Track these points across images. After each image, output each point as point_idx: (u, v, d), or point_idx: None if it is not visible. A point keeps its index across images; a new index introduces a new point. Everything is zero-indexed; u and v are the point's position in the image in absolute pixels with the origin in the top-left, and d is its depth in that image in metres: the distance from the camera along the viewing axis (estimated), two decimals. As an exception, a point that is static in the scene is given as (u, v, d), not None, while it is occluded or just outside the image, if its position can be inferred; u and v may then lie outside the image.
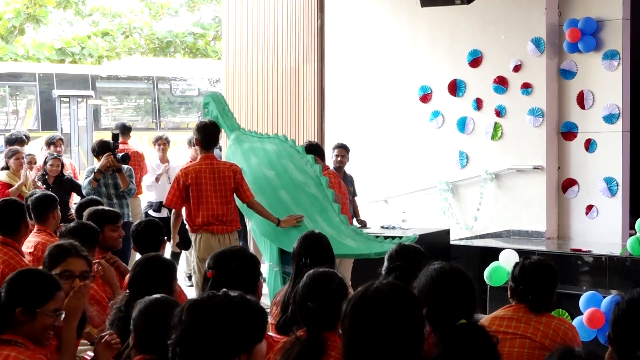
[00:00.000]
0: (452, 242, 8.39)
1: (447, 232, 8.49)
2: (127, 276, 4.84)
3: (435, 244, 7.87)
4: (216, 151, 7.57)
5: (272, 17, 11.15)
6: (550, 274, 3.91)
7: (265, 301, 5.37)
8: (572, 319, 6.32)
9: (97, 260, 4.79)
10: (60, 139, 10.40)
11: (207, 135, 6.71)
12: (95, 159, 8.42)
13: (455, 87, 9.40)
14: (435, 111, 9.58)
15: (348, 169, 8.94)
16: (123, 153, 8.27)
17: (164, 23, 28.23)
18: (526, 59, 8.87)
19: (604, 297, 6.34)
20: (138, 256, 4.88)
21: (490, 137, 9.14)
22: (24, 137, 10.46)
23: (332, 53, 10.65)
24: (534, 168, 8.84)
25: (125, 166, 8.15)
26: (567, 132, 8.82)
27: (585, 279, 7.52)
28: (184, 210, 6.84)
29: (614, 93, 8.48)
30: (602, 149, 8.56)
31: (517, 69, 8.92)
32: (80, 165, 17.02)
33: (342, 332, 2.39)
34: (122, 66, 23.71)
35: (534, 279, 3.83)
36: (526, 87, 8.86)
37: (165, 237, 5.27)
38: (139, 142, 17.04)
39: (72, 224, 4.86)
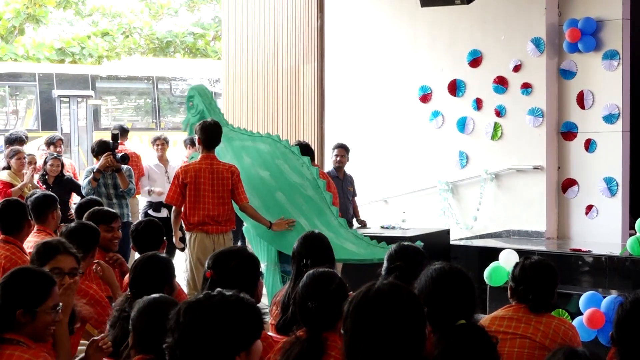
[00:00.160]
0: (452, 242, 8.40)
1: (447, 232, 8.50)
2: (127, 276, 4.85)
3: (435, 244, 7.87)
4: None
5: (272, 17, 11.16)
6: (551, 274, 3.90)
7: (265, 301, 5.38)
8: (572, 319, 6.31)
9: (97, 261, 4.79)
10: (60, 139, 10.39)
11: (210, 135, 6.69)
12: (94, 159, 8.42)
13: (455, 87, 9.40)
14: (435, 111, 9.59)
15: (348, 169, 8.94)
16: (122, 153, 8.26)
17: (163, 23, 28.24)
18: (526, 59, 8.88)
19: (604, 297, 6.33)
20: (137, 256, 4.87)
21: (490, 137, 9.14)
22: (23, 136, 10.46)
23: (332, 53, 10.65)
24: (534, 168, 8.84)
25: (124, 166, 8.14)
26: (567, 132, 8.82)
27: (585, 279, 7.52)
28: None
29: (613, 93, 8.48)
30: (602, 149, 8.57)
31: (517, 69, 8.92)
32: (80, 166, 17.02)
33: (344, 333, 2.39)
34: (122, 66, 23.71)
35: (534, 279, 3.83)
36: (526, 87, 8.87)
37: (165, 237, 5.25)
38: (139, 142, 17.06)
39: (72, 224, 4.86)
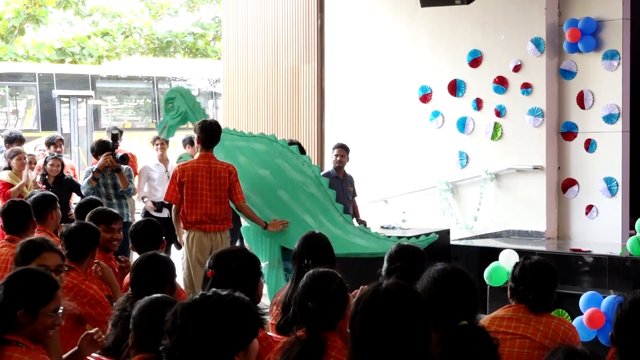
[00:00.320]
0: (452, 242, 8.39)
1: (447, 232, 8.49)
2: (128, 277, 4.84)
3: (435, 244, 7.84)
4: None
5: (272, 17, 11.16)
6: (551, 274, 3.90)
7: (265, 301, 5.38)
8: (572, 319, 6.32)
9: (96, 261, 4.79)
10: (61, 139, 10.39)
11: (211, 134, 6.70)
12: (94, 159, 8.42)
13: (455, 87, 9.40)
14: (435, 111, 9.59)
15: (348, 169, 8.94)
16: (122, 153, 8.27)
17: (163, 23, 28.24)
18: (526, 59, 8.87)
19: (604, 297, 6.33)
20: (136, 256, 4.87)
21: (490, 137, 9.14)
22: (22, 136, 10.47)
23: (332, 53, 10.65)
24: (534, 168, 8.84)
25: (124, 166, 8.15)
26: (567, 132, 8.82)
27: (585, 279, 7.52)
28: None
29: (613, 93, 8.48)
30: (602, 149, 8.57)
31: (517, 69, 8.92)
32: (80, 165, 17.01)
33: (351, 332, 2.40)
34: (122, 66, 23.71)
35: (534, 279, 3.83)
36: (526, 87, 8.87)
37: (164, 237, 5.25)
38: (139, 143, 17.06)
39: (72, 224, 4.86)
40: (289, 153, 7.20)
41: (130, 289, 3.90)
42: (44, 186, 8.55)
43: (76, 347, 3.64)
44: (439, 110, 9.57)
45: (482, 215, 9.16)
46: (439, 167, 9.52)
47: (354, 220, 8.74)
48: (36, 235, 5.70)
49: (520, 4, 8.93)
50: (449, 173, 9.45)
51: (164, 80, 21.21)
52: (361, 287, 3.83)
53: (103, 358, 3.53)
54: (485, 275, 6.82)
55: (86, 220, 5.17)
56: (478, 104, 9.23)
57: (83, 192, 8.06)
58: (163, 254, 4.24)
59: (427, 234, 7.50)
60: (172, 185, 6.75)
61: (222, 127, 7.19)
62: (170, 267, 4.02)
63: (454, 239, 8.58)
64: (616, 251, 7.58)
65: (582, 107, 8.70)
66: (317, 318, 3.28)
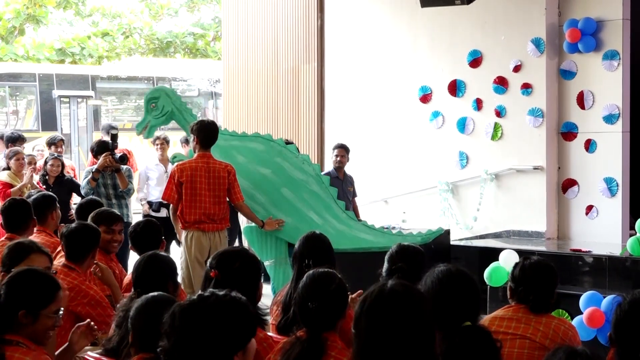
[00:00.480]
0: (452, 243, 8.39)
1: (447, 232, 8.48)
2: (129, 277, 4.85)
3: (435, 245, 7.86)
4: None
5: (272, 17, 11.16)
6: (550, 275, 3.90)
7: (266, 301, 5.37)
8: (572, 319, 6.32)
9: (95, 262, 4.79)
10: (62, 140, 10.40)
11: (209, 134, 6.71)
12: (93, 159, 8.42)
13: (455, 88, 9.40)
14: (435, 111, 9.59)
15: (348, 169, 8.94)
16: (121, 153, 8.27)
17: (163, 23, 28.22)
18: (526, 59, 8.87)
19: (604, 297, 6.33)
20: (136, 256, 4.87)
21: (490, 138, 9.14)
22: (22, 135, 10.49)
23: (332, 53, 10.65)
24: (534, 168, 8.84)
25: (124, 166, 8.15)
26: (567, 133, 8.82)
27: (586, 280, 7.52)
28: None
29: (613, 93, 8.48)
30: (602, 149, 8.56)
31: (517, 69, 8.92)
32: (81, 166, 17.00)
33: (357, 333, 2.40)
34: (122, 66, 23.70)
35: (534, 279, 3.82)
36: (526, 87, 8.87)
37: (164, 238, 5.25)
38: (139, 143, 17.05)
39: (72, 225, 4.85)
40: (288, 152, 7.26)
41: (133, 289, 3.90)
42: (44, 186, 8.55)
43: (67, 343, 3.63)
44: (439, 110, 9.57)
45: (482, 215, 9.16)
46: (439, 168, 9.52)
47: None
48: (53, 237, 5.73)
49: (521, 4, 8.93)
50: (449, 173, 9.45)
51: (164, 80, 21.18)
52: (359, 291, 3.84)
53: (103, 358, 3.53)
54: (485, 276, 6.81)
55: (88, 221, 5.17)
56: (478, 104, 9.23)
57: (83, 192, 8.06)
58: (164, 253, 4.25)
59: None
60: (170, 185, 6.75)
61: (222, 129, 7.23)
62: (171, 266, 4.04)
63: (454, 239, 8.58)
64: (616, 251, 7.58)
65: (582, 107, 8.70)
66: (317, 318, 3.29)
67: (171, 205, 6.88)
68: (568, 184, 8.82)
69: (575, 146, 8.78)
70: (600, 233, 8.49)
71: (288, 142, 7.66)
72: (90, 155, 9.65)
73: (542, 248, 8.28)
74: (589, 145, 8.65)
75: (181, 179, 6.63)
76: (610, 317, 5.56)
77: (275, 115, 11.14)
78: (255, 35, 11.37)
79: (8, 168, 8.79)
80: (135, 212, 9.55)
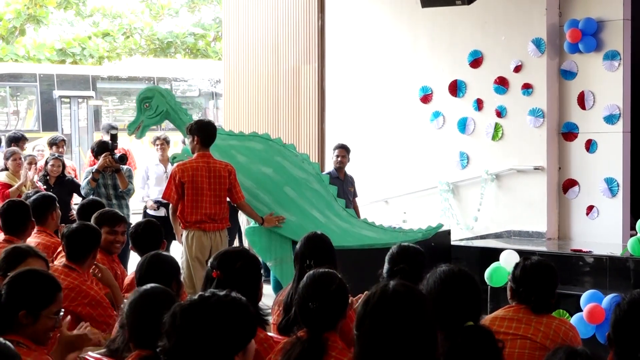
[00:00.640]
0: (452, 243, 8.39)
1: (448, 232, 8.49)
2: (130, 277, 4.85)
3: (435, 245, 7.87)
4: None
5: (273, 17, 11.15)
6: (551, 275, 3.90)
7: (266, 301, 5.38)
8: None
9: (95, 263, 4.78)
10: (63, 140, 10.41)
11: (209, 133, 6.70)
12: (94, 159, 8.43)
13: (455, 88, 9.40)
14: (436, 112, 9.58)
15: (349, 169, 8.94)
16: (121, 153, 8.26)
17: (164, 24, 28.22)
18: (527, 59, 8.87)
19: (605, 296, 6.33)
20: (135, 256, 4.88)
21: (491, 138, 9.14)
22: (24, 135, 10.51)
23: (332, 54, 10.65)
24: (535, 168, 8.84)
25: (124, 166, 8.15)
26: (568, 133, 8.82)
27: (586, 280, 7.52)
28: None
29: (614, 93, 8.48)
30: (603, 150, 8.56)
31: (517, 69, 8.92)
32: (81, 166, 17.01)
33: (359, 334, 2.40)
34: (123, 67, 23.71)
35: (535, 279, 3.82)
36: (527, 87, 8.87)
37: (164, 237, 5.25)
38: (140, 143, 17.05)
39: (73, 225, 4.85)
40: (287, 151, 7.29)
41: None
42: (44, 187, 8.55)
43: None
44: (439, 110, 9.56)
45: (483, 215, 9.16)
46: (440, 168, 9.52)
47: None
48: (54, 237, 5.73)
49: (521, 5, 8.93)
50: (450, 173, 9.44)
51: (164, 80, 21.19)
52: (360, 295, 3.84)
53: (104, 358, 3.53)
54: (486, 276, 6.81)
55: (92, 221, 5.17)
56: (479, 104, 9.23)
57: (83, 192, 8.07)
58: (166, 253, 4.26)
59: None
60: (170, 185, 6.73)
61: (218, 129, 7.24)
62: (175, 266, 4.05)
63: (455, 239, 8.58)
64: (617, 252, 7.59)
65: (583, 107, 8.69)
66: (318, 318, 3.29)
67: (170, 204, 6.87)
68: (569, 184, 8.82)
69: (576, 146, 8.78)
70: (600, 233, 8.49)
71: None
72: (90, 155, 9.66)
73: (543, 248, 8.28)
74: (590, 146, 8.65)
75: (183, 179, 6.61)
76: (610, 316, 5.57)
77: (275, 115, 11.14)
78: (255, 35, 11.36)
79: (6, 168, 8.79)
80: (135, 212, 9.56)
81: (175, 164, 6.88)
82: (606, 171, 8.55)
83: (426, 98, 9.67)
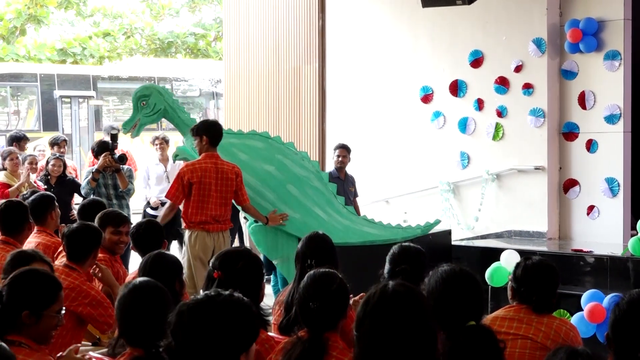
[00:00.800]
0: (453, 243, 8.39)
1: (449, 232, 8.49)
2: (130, 277, 4.85)
3: (436, 245, 7.87)
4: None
5: (274, 17, 11.15)
6: (552, 275, 3.90)
7: (267, 301, 5.39)
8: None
9: (96, 263, 4.78)
10: (65, 140, 10.43)
11: (217, 133, 6.66)
12: (94, 159, 8.43)
13: (456, 88, 9.40)
14: (437, 111, 9.58)
15: (349, 169, 8.94)
16: (120, 153, 8.26)
17: (165, 23, 28.22)
18: (527, 59, 8.87)
19: (605, 296, 6.33)
20: (136, 256, 4.88)
21: (492, 138, 9.14)
22: (25, 135, 10.53)
23: (333, 54, 10.65)
24: (535, 168, 8.84)
25: (125, 166, 8.15)
26: (569, 133, 8.82)
27: (587, 280, 7.52)
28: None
29: (615, 93, 8.48)
30: (604, 150, 8.56)
31: (518, 69, 8.92)
32: (82, 166, 17.01)
33: (358, 334, 2.40)
34: (124, 67, 23.70)
35: (537, 279, 3.82)
36: (527, 87, 8.86)
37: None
38: (141, 143, 17.06)
39: (74, 225, 4.85)
40: (287, 149, 7.30)
41: None
42: (45, 186, 8.55)
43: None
44: (440, 110, 9.56)
45: (484, 215, 9.16)
46: (440, 168, 9.51)
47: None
48: (54, 237, 5.73)
49: (522, 4, 8.93)
50: (450, 173, 9.44)
51: (165, 80, 21.19)
52: (361, 294, 3.84)
53: (105, 358, 3.53)
54: (487, 276, 6.81)
55: (96, 221, 5.18)
56: (479, 104, 9.22)
57: (83, 192, 8.07)
58: (169, 252, 4.27)
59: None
60: (176, 185, 6.65)
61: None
62: (177, 265, 4.06)
63: (455, 239, 8.58)
64: (617, 252, 7.58)
65: (584, 107, 8.69)
66: (319, 318, 3.29)
67: (169, 202, 6.83)
68: (569, 184, 8.82)
69: (577, 146, 8.78)
70: (601, 233, 8.49)
71: None
72: (91, 155, 9.67)
73: (544, 248, 8.28)
74: (590, 146, 8.65)
75: (192, 180, 6.55)
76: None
77: (276, 115, 11.14)
78: (256, 35, 11.37)
79: (4, 168, 8.79)
80: (135, 212, 9.57)
81: (183, 164, 6.81)
82: (607, 171, 8.55)
83: (427, 98, 9.67)
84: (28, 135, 10.79)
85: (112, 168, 7.95)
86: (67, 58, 24.37)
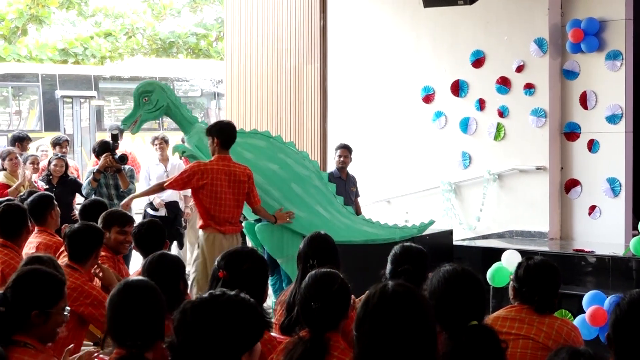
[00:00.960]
0: (454, 243, 8.39)
1: (450, 232, 8.49)
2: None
3: (438, 245, 7.87)
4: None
5: (275, 17, 11.16)
6: (554, 275, 3.90)
7: (268, 302, 5.39)
8: (575, 319, 6.31)
9: (98, 263, 4.79)
10: (67, 140, 10.43)
11: (230, 135, 6.61)
12: (96, 159, 8.44)
13: (458, 88, 9.40)
14: (438, 112, 9.58)
15: (351, 169, 8.94)
16: (121, 154, 8.26)
17: (166, 24, 28.24)
18: (529, 59, 8.87)
19: (607, 297, 6.33)
20: (137, 256, 4.88)
21: (493, 138, 9.14)
22: (28, 135, 10.53)
23: (334, 53, 10.65)
24: (537, 168, 8.84)
25: (127, 166, 8.16)
26: (570, 133, 8.82)
27: (588, 280, 7.52)
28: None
29: (616, 93, 8.48)
30: (605, 150, 8.56)
31: (519, 69, 8.92)
32: (83, 166, 17.03)
33: (358, 334, 2.40)
34: (125, 67, 23.72)
35: (539, 279, 3.82)
36: (529, 87, 8.86)
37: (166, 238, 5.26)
38: (142, 143, 17.07)
39: (75, 225, 4.85)
40: (288, 148, 7.30)
41: None
42: (47, 186, 8.55)
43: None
44: (441, 110, 9.56)
45: (485, 215, 9.16)
46: (442, 168, 9.51)
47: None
48: (55, 237, 5.72)
49: (523, 4, 8.93)
50: (452, 173, 9.44)
51: (166, 80, 21.21)
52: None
53: (106, 358, 3.53)
54: (488, 276, 6.80)
55: (100, 220, 5.18)
56: (481, 104, 9.22)
57: (84, 192, 8.07)
58: (171, 253, 4.28)
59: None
60: (181, 180, 6.57)
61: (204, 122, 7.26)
62: (180, 265, 4.07)
63: (457, 239, 8.57)
64: (619, 252, 7.58)
65: (585, 107, 8.69)
66: (320, 318, 3.29)
67: (160, 183, 6.95)
68: (571, 184, 8.82)
69: (578, 146, 8.77)
70: (603, 233, 8.49)
71: None
72: (93, 155, 9.69)
73: (545, 248, 8.27)
74: (592, 146, 8.65)
75: (202, 181, 6.46)
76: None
77: (277, 115, 11.14)
78: (257, 35, 11.37)
79: (4, 169, 8.79)
80: (136, 212, 9.57)
81: (195, 163, 6.67)
82: (608, 171, 8.54)
83: (428, 98, 9.67)
84: (29, 135, 10.80)
85: (113, 168, 7.95)
86: (69, 58, 24.39)
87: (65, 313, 3.30)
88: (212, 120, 20.43)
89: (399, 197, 9.81)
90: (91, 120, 19.61)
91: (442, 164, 9.52)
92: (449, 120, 9.50)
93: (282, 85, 11.12)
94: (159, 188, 7.01)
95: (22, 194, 7.22)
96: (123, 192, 8.05)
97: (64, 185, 8.81)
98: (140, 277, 3.31)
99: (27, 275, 3.29)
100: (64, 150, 10.03)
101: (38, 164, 9.17)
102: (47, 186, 8.58)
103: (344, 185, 8.57)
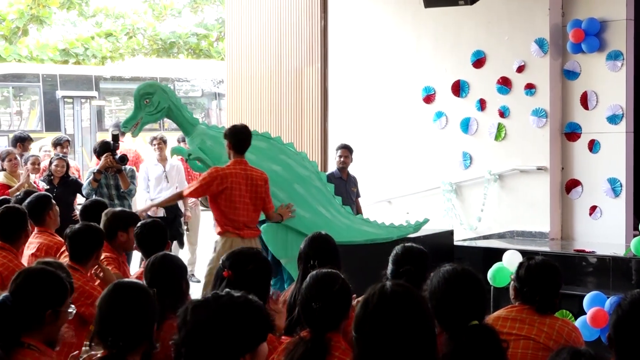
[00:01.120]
0: (455, 243, 8.39)
1: (451, 232, 8.49)
2: (135, 277, 4.85)
3: (438, 245, 7.87)
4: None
5: (276, 18, 11.16)
6: (555, 275, 3.89)
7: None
8: (576, 320, 6.31)
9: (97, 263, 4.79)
10: (68, 141, 10.43)
11: (244, 139, 6.55)
12: (97, 159, 8.43)
13: (458, 88, 9.40)
14: (439, 112, 9.58)
15: (352, 169, 8.94)
16: (122, 154, 8.25)
17: (167, 24, 28.27)
18: (530, 59, 8.87)
19: (608, 297, 6.33)
20: (136, 255, 4.88)
21: (494, 138, 9.14)
22: (30, 136, 10.54)
23: (335, 54, 10.65)
24: (538, 169, 8.84)
25: (127, 167, 8.15)
26: (571, 133, 8.82)
27: (589, 280, 7.52)
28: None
29: (617, 94, 8.48)
30: (606, 150, 8.56)
31: (520, 69, 8.92)
32: (84, 166, 17.03)
33: (358, 335, 2.41)
34: (126, 67, 23.73)
35: (540, 279, 3.82)
36: (530, 87, 8.86)
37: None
38: (143, 143, 17.08)
39: (76, 226, 4.85)
40: (288, 149, 7.30)
41: None
42: (48, 187, 8.55)
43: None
44: (442, 110, 9.56)
45: (486, 216, 9.16)
46: (443, 168, 9.52)
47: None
48: (55, 237, 5.71)
49: (524, 5, 8.93)
50: (453, 174, 9.44)
51: (167, 81, 21.21)
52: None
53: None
54: (489, 276, 6.81)
55: (104, 220, 5.18)
56: (482, 104, 9.22)
57: (84, 193, 8.07)
58: (172, 253, 4.28)
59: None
60: (200, 188, 6.52)
61: (220, 127, 7.23)
62: (182, 266, 4.06)
63: (458, 239, 8.58)
64: (620, 252, 7.58)
65: (586, 107, 8.69)
66: (321, 319, 3.29)
67: (180, 190, 7.00)
68: (572, 185, 8.82)
69: (579, 146, 8.77)
70: (603, 233, 8.49)
71: None
72: (94, 155, 9.69)
73: (546, 248, 8.27)
74: (593, 146, 8.65)
75: (223, 185, 6.39)
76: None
77: (278, 116, 11.15)
78: (258, 36, 11.37)
79: (4, 169, 8.78)
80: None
81: (212, 169, 6.57)
82: (609, 171, 8.54)
83: (429, 98, 9.67)
84: (30, 135, 10.80)
85: (114, 168, 7.95)
86: (70, 58, 24.42)
87: (71, 310, 3.30)
88: (213, 120, 20.47)
89: (400, 197, 9.81)
90: (92, 121, 19.62)
91: (443, 164, 9.52)
92: (450, 121, 9.50)
93: (282, 86, 11.12)
94: (178, 197, 6.97)
95: (18, 194, 7.18)
96: (123, 192, 8.05)
97: (65, 185, 8.81)
98: (134, 280, 3.31)
99: (37, 277, 3.27)
100: (64, 150, 10.03)
101: (39, 164, 9.17)
102: (48, 186, 8.57)
103: (345, 186, 8.57)
